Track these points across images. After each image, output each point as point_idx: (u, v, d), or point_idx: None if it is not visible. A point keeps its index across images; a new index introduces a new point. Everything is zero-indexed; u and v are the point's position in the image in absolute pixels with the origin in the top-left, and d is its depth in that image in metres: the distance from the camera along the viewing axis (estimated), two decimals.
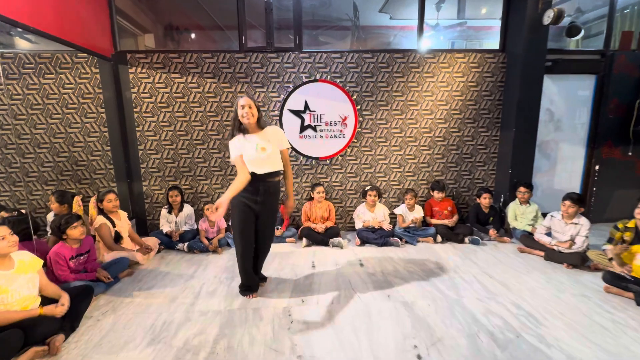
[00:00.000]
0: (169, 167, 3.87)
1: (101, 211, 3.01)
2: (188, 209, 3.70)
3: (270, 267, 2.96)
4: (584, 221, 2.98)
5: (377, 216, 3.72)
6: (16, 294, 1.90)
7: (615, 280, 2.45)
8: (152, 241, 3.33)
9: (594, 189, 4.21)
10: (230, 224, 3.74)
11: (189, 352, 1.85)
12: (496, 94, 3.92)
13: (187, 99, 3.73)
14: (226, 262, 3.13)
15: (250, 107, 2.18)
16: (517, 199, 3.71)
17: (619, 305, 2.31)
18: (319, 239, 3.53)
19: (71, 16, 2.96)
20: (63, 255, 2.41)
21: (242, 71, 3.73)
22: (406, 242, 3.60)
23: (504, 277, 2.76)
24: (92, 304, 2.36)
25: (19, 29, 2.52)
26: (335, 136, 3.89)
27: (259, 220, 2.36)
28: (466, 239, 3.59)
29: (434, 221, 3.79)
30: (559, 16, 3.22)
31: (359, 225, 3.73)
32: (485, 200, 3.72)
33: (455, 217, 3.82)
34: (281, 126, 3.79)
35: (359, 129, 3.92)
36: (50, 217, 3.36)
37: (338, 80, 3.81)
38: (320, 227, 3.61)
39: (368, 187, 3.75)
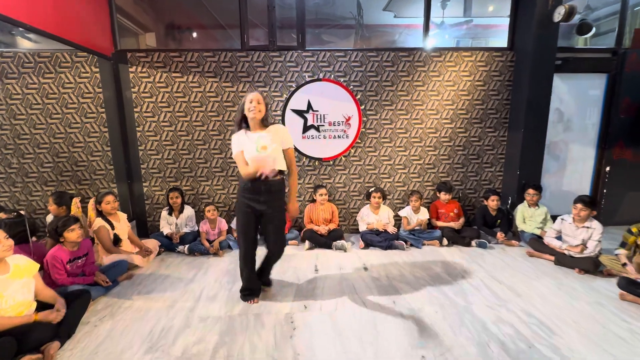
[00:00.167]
0: (170, 167, 3.81)
1: (100, 213, 2.96)
2: (189, 211, 3.64)
3: (272, 270, 2.87)
4: (596, 225, 2.88)
5: (381, 218, 3.64)
6: (10, 300, 1.84)
7: (631, 287, 2.35)
8: (152, 243, 3.27)
9: (605, 191, 4.10)
10: (231, 226, 3.69)
11: None
12: (504, 93, 3.82)
13: (188, 98, 3.67)
14: (227, 265, 3.06)
15: (258, 102, 2.11)
16: (525, 201, 3.61)
17: (635, 313, 2.22)
18: (322, 241, 3.46)
19: (70, 14, 2.90)
20: (60, 258, 2.35)
21: (244, 70, 3.66)
22: (411, 245, 3.52)
23: (514, 283, 2.67)
24: (90, 308, 2.30)
25: (18, 28, 2.46)
26: (339, 136, 3.82)
27: (265, 220, 2.26)
28: (473, 242, 3.50)
29: (439, 223, 3.70)
30: (570, 13, 3.12)
31: (362, 227, 3.65)
32: (493, 203, 3.62)
33: (462, 220, 3.73)
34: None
35: (363, 129, 3.84)
36: (49, 218, 3.31)
37: (342, 80, 3.73)
38: (323, 230, 3.53)
39: (372, 189, 3.67)
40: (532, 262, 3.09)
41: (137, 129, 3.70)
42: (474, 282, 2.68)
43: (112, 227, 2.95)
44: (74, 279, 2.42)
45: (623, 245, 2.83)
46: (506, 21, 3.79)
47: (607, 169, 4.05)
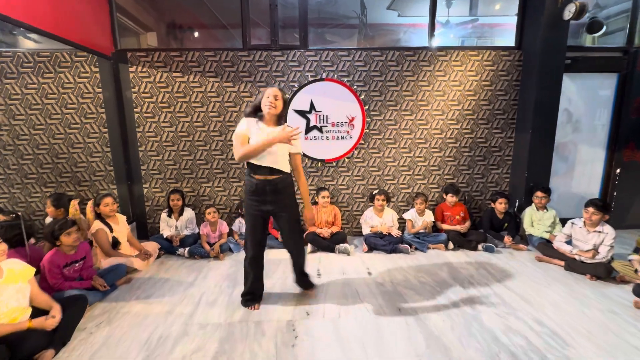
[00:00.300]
0: (170, 169, 3.76)
1: (98, 216, 2.90)
2: (189, 213, 3.58)
3: (274, 275, 2.82)
4: (608, 229, 2.79)
5: (385, 221, 3.56)
6: (4, 306, 1.79)
7: None
8: (151, 246, 3.21)
9: (615, 193, 3.99)
10: (232, 228, 3.63)
11: None
12: (511, 94, 3.73)
13: (188, 98, 3.61)
14: (228, 269, 2.99)
15: (276, 98, 2.06)
16: (533, 204, 3.52)
17: None
18: (325, 244, 3.38)
19: (70, 13, 2.85)
20: (56, 262, 2.30)
21: (246, 70, 3.60)
22: (416, 248, 3.43)
23: (523, 289, 2.58)
24: (87, 314, 2.25)
25: (18, 27, 2.41)
26: (342, 137, 3.74)
27: (276, 220, 2.26)
28: (479, 246, 3.41)
29: (445, 226, 3.62)
30: (581, 11, 3.02)
31: (366, 230, 3.57)
32: (500, 206, 3.53)
33: (468, 223, 3.64)
34: None
35: (367, 130, 3.76)
36: (48, 220, 3.26)
37: (345, 79, 3.65)
38: (325, 233, 3.46)
39: (376, 191, 3.59)
40: (542, 268, 3.00)
41: (137, 129, 3.64)
42: (481, 289, 2.59)
43: (111, 230, 2.90)
44: (71, 283, 2.36)
45: (636, 250, 2.74)
46: (513, 20, 3.71)
47: (617, 171, 3.94)
